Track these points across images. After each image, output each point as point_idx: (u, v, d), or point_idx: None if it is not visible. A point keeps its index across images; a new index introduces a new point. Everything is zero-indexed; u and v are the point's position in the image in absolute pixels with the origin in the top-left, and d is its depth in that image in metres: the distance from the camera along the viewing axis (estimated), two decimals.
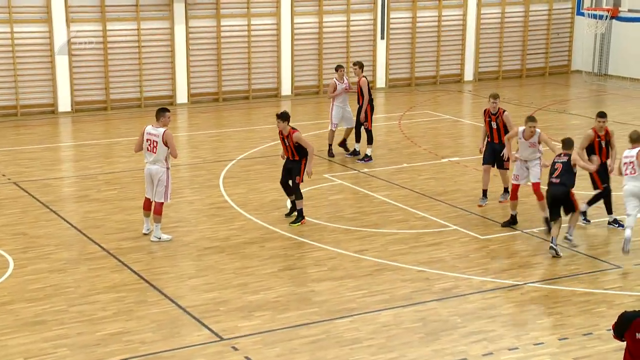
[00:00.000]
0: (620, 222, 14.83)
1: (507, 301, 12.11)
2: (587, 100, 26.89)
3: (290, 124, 14.98)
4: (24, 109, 23.98)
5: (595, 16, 28.54)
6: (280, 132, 15.00)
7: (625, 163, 13.72)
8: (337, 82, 19.16)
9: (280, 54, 26.41)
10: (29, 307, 11.72)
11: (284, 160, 15.30)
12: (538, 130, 14.61)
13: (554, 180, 13.74)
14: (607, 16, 28.44)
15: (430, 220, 15.34)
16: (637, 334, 7.66)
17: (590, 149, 14.73)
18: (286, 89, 26.70)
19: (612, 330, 7.98)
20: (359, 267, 13.21)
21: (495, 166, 16.07)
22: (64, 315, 11.47)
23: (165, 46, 25.16)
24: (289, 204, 15.49)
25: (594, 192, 15.02)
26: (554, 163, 13.90)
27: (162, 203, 14.19)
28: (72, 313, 11.55)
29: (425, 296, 12.18)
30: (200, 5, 25.36)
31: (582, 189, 15.18)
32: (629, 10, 28.73)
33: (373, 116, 19.30)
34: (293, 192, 15.13)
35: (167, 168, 14.14)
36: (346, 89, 19.23)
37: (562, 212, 13.80)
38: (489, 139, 16.13)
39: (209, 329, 11.13)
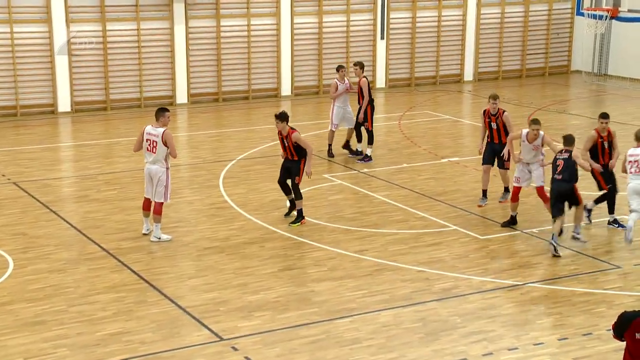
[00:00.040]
0: (621, 223, 14.85)
1: (507, 301, 12.11)
2: (586, 101, 26.90)
3: (290, 124, 14.98)
4: (24, 109, 23.98)
5: (595, 16, 28.54)
6: (280, 132, 15.00)
7: (630, 161, 13.87)
8: (338, 83, 19.15)
9: (280, 54, 26.42)
10: (28, 307, 11.72)
11: (283, 160, 15.32)
12: (542, 132, 14.58)
13: (557, 177, 13.85)
14: (606, 16, 28.45)
15: (430, 221, 15.34)
16: (636, 334, 7.66)
17: (593, 150, 14.75)
18: (286, 89, 26.70)
19: (611, 330, 7.98)
20: (359, 267, 13.21)
21: (496, 165, 16.06)
22: (64, 316, 11.47)
23: (165, 46, 25.16)
24: (288, 204, 15.49)
25: (600, 193, 15.01)
26: (555, 160, 13.98)
27: (162, 203, 14.19)
28: (72, 313, 11.55)
29: (425, 296, 12.18)
30: (200, 5, 25.37)
31: (589, 189, 15.13)
32: (629, 11, 28.74)
33: (374, 116, 19.30)
34: (293, 192, 15.12)
35: (167, 168, 14.15)
36: (347, 90, 19.23)
37: (566, 208, 13.89)
38: (488, 139, 16.13)
39: (209, 329, 11.13)
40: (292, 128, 14.93)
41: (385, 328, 11.19)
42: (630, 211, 13.77)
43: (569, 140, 14.07)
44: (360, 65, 19.17)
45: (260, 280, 12.69)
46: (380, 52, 27.72)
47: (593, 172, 14.76)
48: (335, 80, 19.23)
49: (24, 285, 12.48)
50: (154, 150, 14.01)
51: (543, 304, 12.05)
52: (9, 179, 17.86)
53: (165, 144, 13.94)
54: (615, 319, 7.88)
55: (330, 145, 19.45)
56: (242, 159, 19.49)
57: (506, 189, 16.12)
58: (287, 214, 15.41)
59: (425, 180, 17.78)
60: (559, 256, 13.59)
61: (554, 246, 13.58)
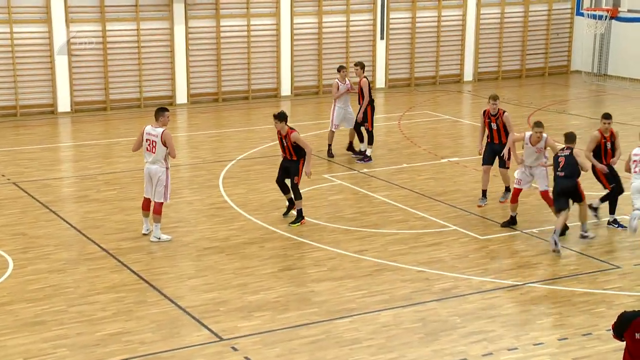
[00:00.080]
0: (620, 223, 14.86)
1: (507, 301, 12.11)
2: (586, 101, 26.91)
3: (289, 124, 14.98)
4: (24, 109, 23.98)
5: (594, 16, 28.54)
6: (279, 132, 15.01)
7: (634, 161, 14.01)
8: (340, 83, 19.15)
9: (280, 55, 26.42)
10: (28, 308, 11.72)
11: (279, 159, 15.32)
12: (545, 135, 14.56)
13: (559, 174, 13.96)
14: (606, 16, 28.45)
15: (430, 221, 15.34)
16: (636, 334, 7.66)
17: (596, 151, 14.76)
18: (286, 89, 26.70)
19: (611, 330, 7.98)
20: (359, 268, 13.20)
21: (497, 165, 16.05)
22: (64, 316, 11.47)
23: (164, 46, 25.16)
24: (287, 204, 15.49)
25: (605, 192, 15.03)
26: (556, 157, 14.06)
27: (162, 203, 14.19)
28: (72, 313, 11.55)
29: (425, 296, 12.18)
30: (200, 5, 25.37)
31: (590, 190, 15.11)
32: (629, 11, 28.74)
33: (374, 117, 19.30)
34: (292, 192, 15.12)
35: (167, 168, 14.14)
36: (348, 90, 19.23)
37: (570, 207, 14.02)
38: (488, 140, 16.12)
39: (209, 329, 11.13)
40: (291, 128, 14.93)
41: (385, 328, 11.19)
42: (635, 209, 13.81)
43: (570, 137, 14.20)
44: (360, 65, 19.17)
45: (260, 281, 12.69)
46: (380, 52, 27.73)
47: (595, 172, 14.79)
48: (337, 80, 19.22)
49: (24, 285, 12.48)
50: (154, 150, 14.01)
51: (543, 304, 12.05)
52: (8, 179, 17.86)
53: (164, 144, 13.93)
54: (615, 319, 7.88)
55: (330, 145, 19.45)
56: (242, 159, 19.49)
57: (507, 189, 16.12)
58: (286, 214, 15.41)
59: (425, 181, 17.78)
60: (559, 252, 13.60)
61: (555, 241, 13.61)
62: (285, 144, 14.99)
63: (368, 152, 19.15)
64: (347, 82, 19.23)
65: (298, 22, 26.57)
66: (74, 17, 24.01)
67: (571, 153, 13.93)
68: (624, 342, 7.82)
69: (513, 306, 11.98)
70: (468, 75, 29.19)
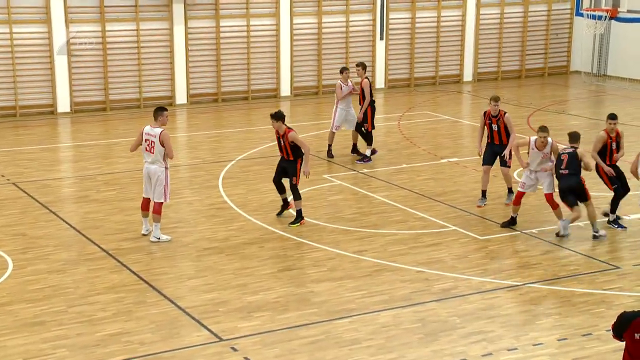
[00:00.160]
0: (621, 224, 14.87)
1: (507, 302, 12.11)
2: (586, 101, 26.91)
3: (289, 124, 14.98)
4: (23, 109, 23.98)
5: (594, 17, 28.55)
6: (277, 132, 15.02)
7: None
8: (342, 84, 19.16)
9: (280, 55, 26.42)
10: (28, 308, 11.72)
11: (278, 159, 15.33)
12: (550, 139, 14.56)
13: (563, 171, 14.10)
14: (606, 17, 28.45)
15: (430, 221, 15.34)
16: (636, 334, 7.66)
17: (602, 151, 14.77)
18: (285, 90, 26.71)
19: (611, 331, 7.98)
20: (358, 268, 13.21)
21: (499, 165, 16.05)
22: (63, 316, 11.47)
23: (164, 47, 25.16)
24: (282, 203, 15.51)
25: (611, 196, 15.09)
26: (559, 155, 14.11)
27: (162, 203, 14.19)
28: (72, 314, 11.54)
29: (425, 297, 12.18)
30: (200, 5, 25.37)
31: (596, 189, 15.10)
32: (628, 11, 28.74)
33: (374, 117, 19.30)
34: (292, 193, 15.12)
35: (166, 168, 14.14)
36: (351, 92, 19.23)
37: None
38: (489, 140, 16.12)
39: (209, 329, 11.13)
40: (288, 127, 14.93)
41: (384, 328, 11.19)
42: None
43: (574, 137, 14.37)
44: (362, 66, 19.18)
45: (259, 281, 12.69)
46: (380, 52, 27.73)
47: (599, 171, 14.81)
48: (339, 82, 19.22)
49: (24, 285, 12.48)
50: (152, 151, 14.01)
51: (543, 305, 12.05)
52: (8, 180, 17.86)
53: (162, 144, 13.93)
54: (614, 320, 7.88)
55: (330, 145, 19.45)
56: (241, 159, 19.49)
57: (510, 190, 16.09)
58: (279, 214, 15.42)
59: (425, 181, 17.78)
60: (565, 236, 14.07)
61: (564, 226, 14.03)
62: (282, 144, 15.00)
63: (367, 153, 19.16)
64: (350, 83, 19.24)
65: (298, 23, 26.57)
66: (74, 18, 24.01)
67: (574, 151, 14.02)
68: (624, 343, 7.82)
69: (513, 306, 11.98)
70: (468, 75, 29.20)
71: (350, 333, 11.05)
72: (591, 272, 13.12)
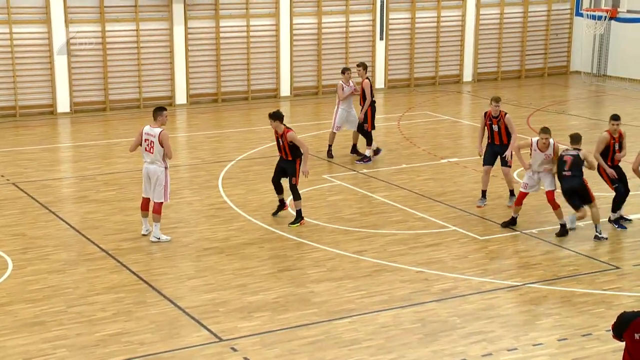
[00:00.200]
0: (621, 224, 14.87)
1: (506, 302, 12.11)
2: (586, 101, 26.92)
3: (289, 125, 14.99)
4: (23, 109, 23.98)
5: (594, 17, 28.57)
6: (275, 132, 15.03)
7: None
8: (344, 85, 19.15)
9: (279, 55, 26.42)
10: (28, 308, 11.71)
11: (278, 159, 15.33)
12: (552, 140, 14.56)
13: (566, 173, 14.15)
14: (605, 17, 28.47)
15: (429, 221, 15.34)
16: (636, 334, 7.65)
17: (604, 152, 14.77)
18: (285, 90, 26.71)
19: (611, 331, 7.97)
20: (358, 268, 13.20)
21: (500, 165, 16.05)
22: (63, 316, 11.47)
23: (164, 47, 25.16)
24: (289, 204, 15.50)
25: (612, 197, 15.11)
26: (561, 157, 14.15)
27: (162, 203, 14.18)
28: (71, 314, 11.54)
29: (424, 297, 12.18)
30: (199, 6, 25.37)
31: (598, 190, 15.11)
32: (628, 11, 28.76)
33: (375, 118, 19.29)
34: (291, 193, 15.11)
35: (166, 168, 14.14)
36: (352, 92, 19.23)
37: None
38: (489, 141, 16.12)
39: (208, 329, 11.13)
40: (287, 127, 14.94)
41: (384, 329, 11.18)
42: None
43: (575, 138, 14.42)
44: (363, 66, 19.19)
45: (259, 281, 12.69)
46: (380, 52, 27.73)
47: (600, 171, 14.82)
48: (341, 82, 19.23)
49: (23, 286, 12.48)
50: (152, 151, 14.01)
51: (542, 305, 12.05)
52: (8, 180, 17.86)
53: (161, 144, 13.92)
54: (614, 320, 7.88)
55: (330, 146, 19.44)
56: (241, 159, 19.49)
57: (511, 192, 16.06)
58: (275, 214, 15.42)
59: (425, 181, 17.78)
60: (572, 229, 14.41)
61: (570, 220, 14.36)
62: (281, 144, 15.00)
63: (367, 153, 19.15)
64: (352, 84, 19.24)
65: (297, 23, 26.58)
66: (74, 18, 24.01)
67: (578, 153, 14.14)
68: (624, 343, 7.82)
69: (512, 307, 11.98)
70: (467, 75, 29.20)
71: (350, 333, 11.05)
72: (591, 272, 13.12)
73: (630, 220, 15.09)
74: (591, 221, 14.38)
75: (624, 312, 7.89)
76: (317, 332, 11.08)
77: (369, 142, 19.22)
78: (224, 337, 10.93)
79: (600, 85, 28.66)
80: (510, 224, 14.94)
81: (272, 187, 15.49)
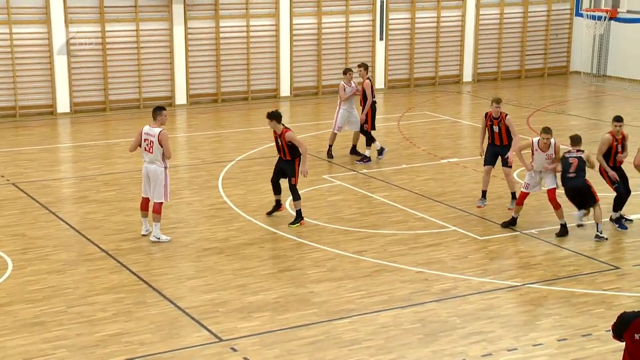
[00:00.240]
0: (622, 224, 14.88)
1: (506, 302, 12.11)
2: (585, 101, 26.92)
3: (289, 125, 14.99)
4: (23, 110, 23.99)
5: (594, 17, 28.57)
6: (274, 132, 15.03)
7: None
8: (346, 86, 19.15)
9: (279, 55, 26.42)
10: (27, 308, 11.71)
11: (277, 159, 15.33)
12: (553, 140, 14.57)
13: (570, 175, 14.22)
14: (605, 17, 28.47)
15: (429, 221, 15.34)
16: (636, 334, 7.65)
17: (607, 153, 14.78)
18: (285, 90, 26.71)
19: (611, 331, 7.97)
20: (358, 268, 13.20)
21: (500, 165, 16.04)
22: (63, 317, 11.47)
23: (164, 47, 25.17)
24: (289, 205, 15.50)
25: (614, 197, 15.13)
26: (566, 159, 14.24)
27: (162, 203, 14.18)
28: (71, 314, 11.54)
29: (424, 297, 12.18)
30: (199, 6, 25.38)
31: (601, 190, 15.12)
32: (628, 11, 28.76)
33: (375, 118, 19.28)
34: (291, 193, 15.11)
35: (165, 167, 14.13)
36: (354, 93, 19.22)
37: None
38: (490, 141, 16.11)
39: (208, 330, 11.13)
40: (286, 127, 14.94)
41: (384, 329, 11.18)
42: None
43: (576, 140, 14.47)
44: (364, 66, 19.19)
45: (259, 281, 12.69)
46: (380, 53, 27.74)
47: (601, 172, 14.83)
48: (343, 83, 19.23)
49: (23, 286, 12.48)
50: (151, 150, 14.00)
51: (542, 305, 12.05)
52: (8, 180, 17.86)
53: (160, 144, 13.92)
54: (614, 320, 7.88)
55: (330, 146, 19.45)
56: (241, 159, 19.49)
57: (513, 195, 16.04)
58: (270, 213, 15.41)
59: (425, 181, 17.78)
60: (581, 226, 14.49)
61: (580, 216, 14.42)
62: (280, 144, 15.00)
63: (367, 153, 19.16)
64: (353, 84, 19.24)
65: (297, 23, 26.58)
66: (73, 18, 24.01)
67: (582, 155, 14.22)
68: (624, 343, 7.82)
69: (512, 307, 11.98)
70: (467, 75, 29.21)
71: (350, 333, 11.05)
72: (591, 273, 13.12)
73: (631, 220, 15.11)
74: (593, 220, 14.39)
75: (624, 312, 7.89)
76: (317, 332, 11.08)
77: (369, 143, 19.21)
78: (223, 337, 10.93)
79: (600, 86, 28.67)
80: (511, 224, 14.94)
81: (271, 187, 15.49)
